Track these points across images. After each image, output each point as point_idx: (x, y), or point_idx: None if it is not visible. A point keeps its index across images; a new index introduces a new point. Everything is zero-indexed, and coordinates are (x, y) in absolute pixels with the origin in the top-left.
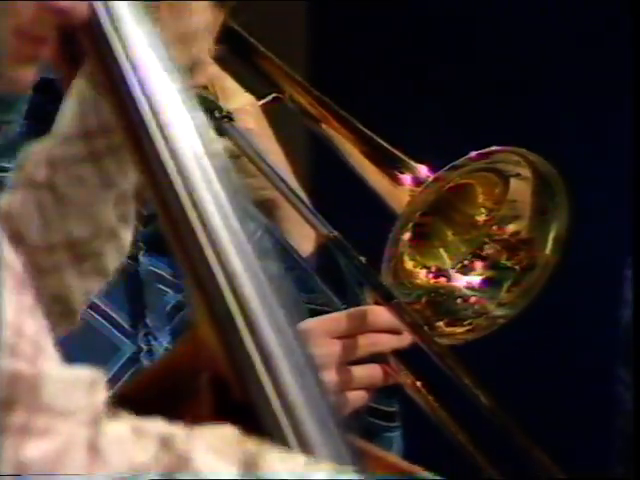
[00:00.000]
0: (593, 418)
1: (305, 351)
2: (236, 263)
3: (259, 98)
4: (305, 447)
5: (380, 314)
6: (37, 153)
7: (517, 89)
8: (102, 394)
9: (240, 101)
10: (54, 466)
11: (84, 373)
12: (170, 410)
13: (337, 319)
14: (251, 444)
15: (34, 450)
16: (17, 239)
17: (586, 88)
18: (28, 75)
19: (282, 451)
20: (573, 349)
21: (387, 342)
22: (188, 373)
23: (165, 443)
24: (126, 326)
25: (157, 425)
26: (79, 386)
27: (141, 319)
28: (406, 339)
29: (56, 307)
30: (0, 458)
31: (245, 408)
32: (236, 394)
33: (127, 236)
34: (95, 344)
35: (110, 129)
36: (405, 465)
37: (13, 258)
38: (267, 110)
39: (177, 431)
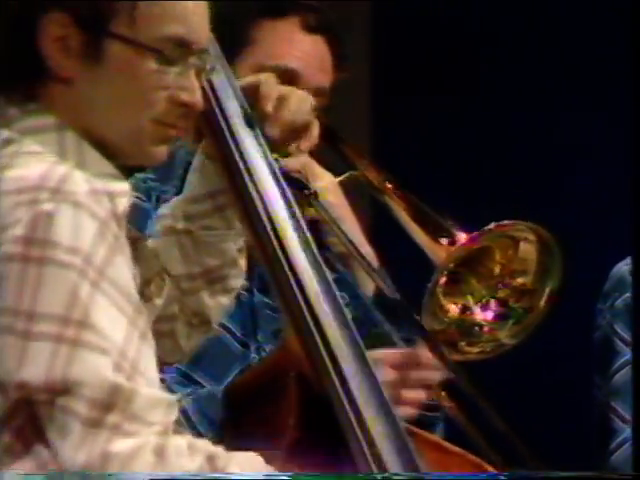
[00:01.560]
0: (574, 409)
1: (363, 358)
2: (318, 305)
3: (338, 175)
4: (363, 428)
5: (427, 356)
6: (175, 209)
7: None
8: (174, 414)
9: (324, 181)
10: (129, 461)
11: (165, 396)
12: (267, 398)
13: (396, 355)
14: (270, 469)
15: (119, 446)
16: (162, 274)
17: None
18: (162, 152)
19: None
20: (560, 364)
21: (432, 377)
22: (281, 372)
23: (210, 459)
24: (243, 340)
25: (206, 445)
26: (160, 405)
27: (254, 336)
28: (443, 373)
29: (195, 319)
30: (86, 444)
31: (320, 397)
32: (315, 387)
33: (243, 262)
34: (222, 353)
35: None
36: (444, 443)
37: (133, 291)
38: (345, 184)
39: (220, 452)
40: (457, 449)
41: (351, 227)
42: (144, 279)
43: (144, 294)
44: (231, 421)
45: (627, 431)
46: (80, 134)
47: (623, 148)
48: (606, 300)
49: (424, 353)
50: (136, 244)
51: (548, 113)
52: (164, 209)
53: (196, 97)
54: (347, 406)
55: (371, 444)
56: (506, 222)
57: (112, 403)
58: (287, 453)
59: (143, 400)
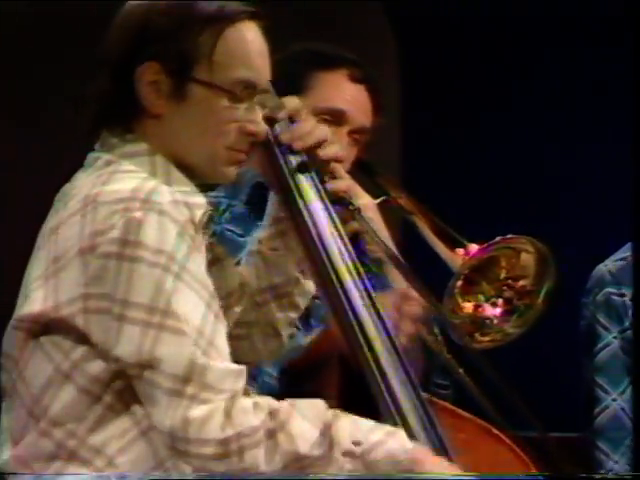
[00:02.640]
0: (566, 383)
1: (392, 342)
2: (355, 300)
3: (375, 198)
4: (393, 397)
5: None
6: (255, 236)
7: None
8: (242, 381)
9: (364, 200)
10: (204, 424)
11: (233, 367)
12: (315, 374)
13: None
14: (330, 413)
15: (196, 412)
16: (244, 286)
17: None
18: (233, 173)
19: (350, 417)
20: (556, 346)
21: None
22: (326, 354)
23: (272, 413)
24: (299, 325)
25: (270, 401)
26: (230, 375)
27: (308, 320)
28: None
29: (269, 329)
30: (170, 411)
31: (357, 373)
32: (352, 364)
33: (309, 285)
34: None
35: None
36: (458, 410)
37: (208, 280)
38: (381, 206)
39: (282, 405)
40: (469, 415)
41: (384, 237)
42: (226, 291)
43: (226, 304)
44: (286, 394)
45: (608, 400)
46: (167, 158)
47: (624, 157)
48: (589, 295)
49: (411, 292)
50: (222, 261)
51: (556, 131)
52: (253, 239)
53: (261, 128)
54: (379, 380)
55: (399, 412)
56: (510, 236)
57: (189, 377)
58: None
59: (214, 373)
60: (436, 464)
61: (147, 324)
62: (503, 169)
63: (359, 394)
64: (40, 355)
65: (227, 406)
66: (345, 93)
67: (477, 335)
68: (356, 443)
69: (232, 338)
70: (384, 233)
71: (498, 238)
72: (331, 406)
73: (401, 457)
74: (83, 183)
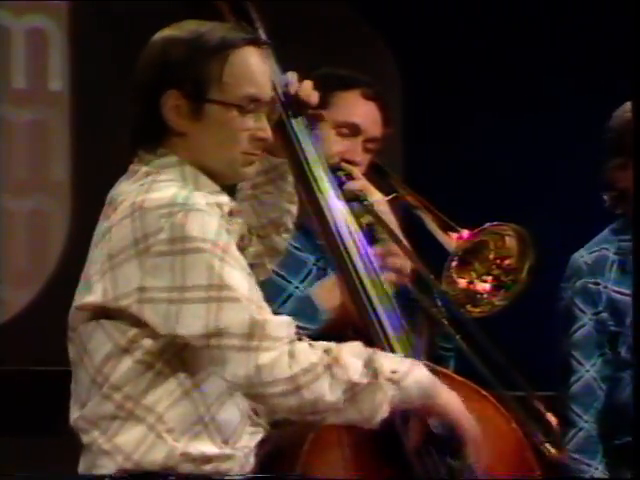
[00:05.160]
0: (548, 347)
1: (397, 315)
2: (364, 277)
3: (386, 195)
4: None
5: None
6: (246, 182)
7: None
8: (293, 328)
9: (376, 197)
10: (274, 366)
11: (285, 318)
12: (340, 336)
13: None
14: (370, 351)
15: (264, 358)
16: (250, 229)
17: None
18: (250, 171)
19: (383, 352)
20: (535, 318)
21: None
22: (344, 324)
23: (326, 350)
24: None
25: (322, 343)
26: (283, 325)
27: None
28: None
29: (273, 252)
30: (243, 363)
31: (368, 344)
32: (363, 334)
33: (294, 209)
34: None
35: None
36: (452, 374)
37: (244, 261)
38: (391, 202)
39: (333, 345)
40: (462, 378)
41: (394, 228)
42: (241, 236)
43: (243, 246)
44: None
45: (582, 371)
46: (194, 167)
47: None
48: (567, 282)
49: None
50: (236, 216)
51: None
52: (240, 184)
53: (268, 133)
54: (385, 344)
55: None
56: (495, 223)
57: (252, 332)
58: None
59: (271, 325)
60: (447, 391)
61: (208, 299)
62: (493, 170)
63: None
64: (101, 333)
65: (290, 349)
66: (359, 109)
67: (468, 307)
68: (392, 371)
69: (252, 267)
70: (393, 224)
71: (487, 224)
72: None
73: (425, 383)
74: (128, 190)
